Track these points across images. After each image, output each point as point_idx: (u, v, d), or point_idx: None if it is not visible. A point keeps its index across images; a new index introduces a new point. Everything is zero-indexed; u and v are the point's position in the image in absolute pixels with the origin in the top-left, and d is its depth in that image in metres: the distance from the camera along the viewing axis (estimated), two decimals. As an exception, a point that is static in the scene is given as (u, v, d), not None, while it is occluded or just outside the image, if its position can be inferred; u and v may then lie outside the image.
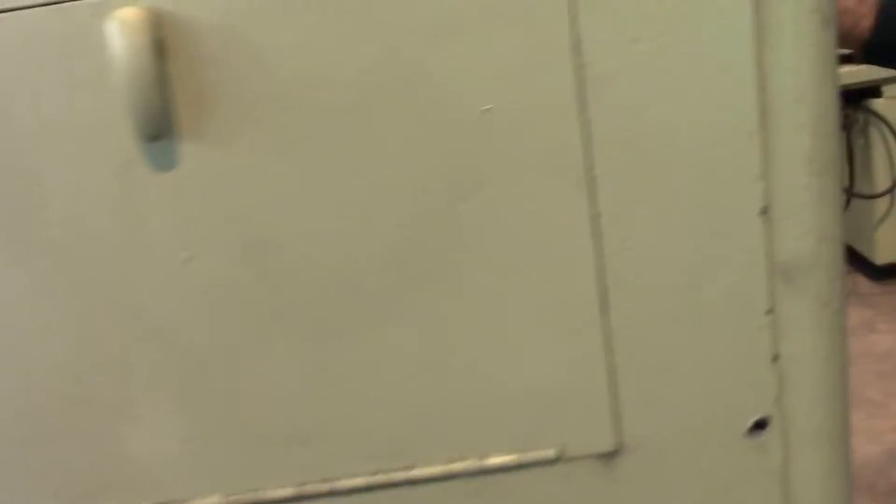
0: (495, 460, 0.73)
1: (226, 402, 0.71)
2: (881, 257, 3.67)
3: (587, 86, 0.66)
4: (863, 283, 3.82)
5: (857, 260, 3.82)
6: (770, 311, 0.71)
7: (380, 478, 0.73)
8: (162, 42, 0.64)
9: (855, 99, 3.33)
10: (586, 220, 0.68)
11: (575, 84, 0.66)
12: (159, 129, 0.65)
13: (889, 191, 3.39)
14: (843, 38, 1.12)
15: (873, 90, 3.28)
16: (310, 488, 0.73)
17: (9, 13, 0.64)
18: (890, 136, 3.36)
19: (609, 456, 0.73)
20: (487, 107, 0.66)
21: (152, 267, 0.68)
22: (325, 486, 0.73)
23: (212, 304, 0.69)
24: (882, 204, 3.49)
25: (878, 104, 3.31)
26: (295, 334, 0.70)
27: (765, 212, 0.69)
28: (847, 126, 3.46)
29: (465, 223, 0.68)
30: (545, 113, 0.67)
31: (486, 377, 0.71)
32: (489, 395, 0.72)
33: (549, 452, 0.73)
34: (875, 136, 3.43)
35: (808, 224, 0.70)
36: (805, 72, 0.67)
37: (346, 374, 0.70)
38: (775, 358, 0.72)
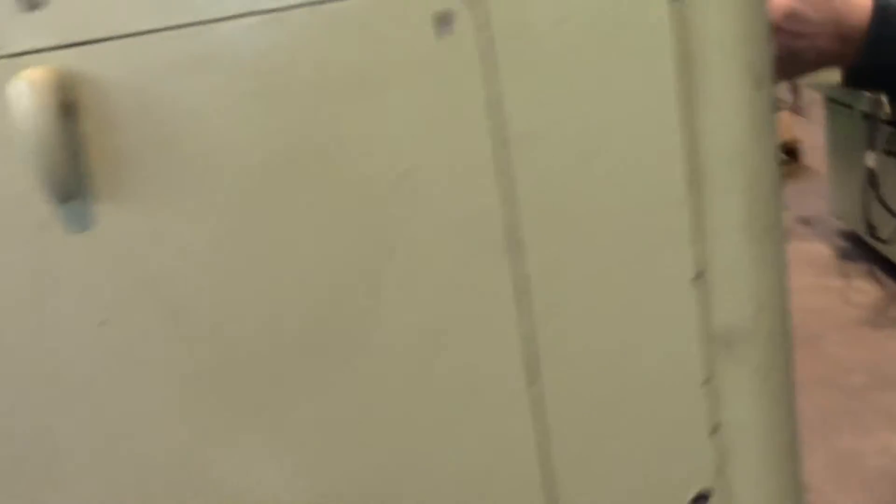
0: (425, 531, 0.70)
1: (144, 469, 0.69)
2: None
3: (509, 145, 0.64)
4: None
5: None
6: (708, 381, 0.67)
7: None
8: (72, 103, 0.63)
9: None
10: (511, 287, 0.66)
11: (493, 143, 0.63)
12: (70, 190, 0.64)
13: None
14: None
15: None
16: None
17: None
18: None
19: (543, 528, 0.70)
20: (404, 169, 0.64)
21: (67, 331, 0.67)
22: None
23: (128, 368, 0.67)
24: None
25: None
26: (211, 402, 0.68)
27: (699, 277, 0.66)
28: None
29: (384, 290, 0.66)
30: (463, 174, 0.64)
31: (409, 452, 0.69)
32: (413, 471, 0.69)
33: (481, 523, 0.70)
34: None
35: (745, 291, 0.66)
36: (737, 133, 0.64)
37: (264, 446, 0.69)
38: (715, 429, 0.68)
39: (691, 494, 0.69)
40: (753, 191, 0.65)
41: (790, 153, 5.13)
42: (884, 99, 2.98)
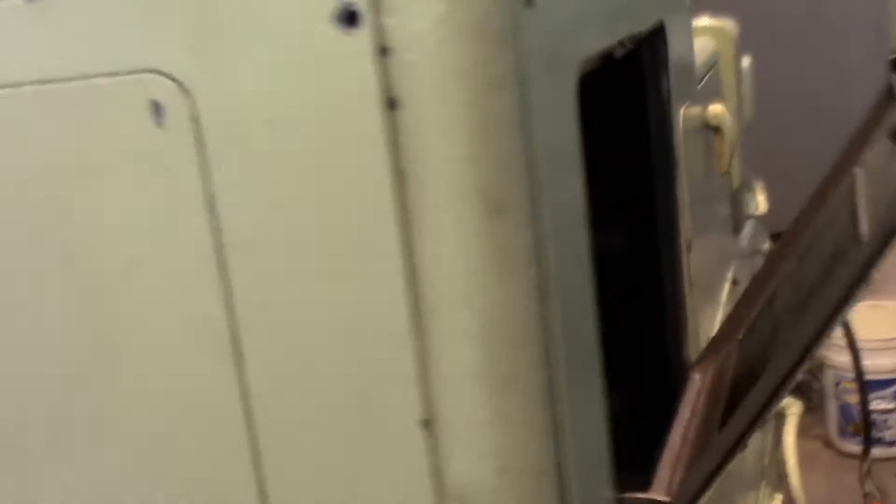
0: None
1: None
2: None
3: (225, 251, 0.58)
4: None
5: None
6: (445, 544, 0.58)
7: None
8: None
9: None
10: (235, 401, 0.60)
11: (212, 244, 0.58)
12: None
13: None
14: None
15: None
16: None
17: None
18: None
19: None
20: (128, 258, 0.60)
21: None
22: None
23: None
24: None
25: None
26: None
27: (427, 425, 0.57)
28: None
29: (112, 394, 0.62)
30: (184, 273, 0.59)
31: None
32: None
33: None
34: None
35: (481, 447, 0.57)
36: (468, 269, 0.54)
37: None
38: None
39: None
40: (489, 337, 0.55)
41: None
42: None
